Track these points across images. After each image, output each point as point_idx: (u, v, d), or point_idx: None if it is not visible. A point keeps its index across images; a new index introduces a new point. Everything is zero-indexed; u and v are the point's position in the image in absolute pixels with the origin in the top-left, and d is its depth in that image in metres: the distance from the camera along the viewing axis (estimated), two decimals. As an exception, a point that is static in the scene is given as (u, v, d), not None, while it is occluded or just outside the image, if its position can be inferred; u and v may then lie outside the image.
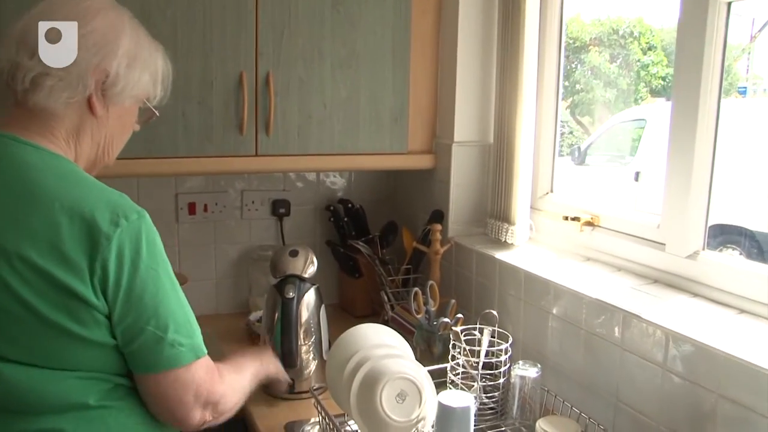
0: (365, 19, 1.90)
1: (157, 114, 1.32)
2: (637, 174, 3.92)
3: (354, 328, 1.54)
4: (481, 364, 1.51)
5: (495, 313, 1.59)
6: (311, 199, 2.32)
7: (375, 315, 2.16)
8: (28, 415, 1.08)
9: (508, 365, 1.51)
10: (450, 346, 1.54)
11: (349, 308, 2.30)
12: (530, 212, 1.89)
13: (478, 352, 1.52)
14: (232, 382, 1.25)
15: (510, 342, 1.53)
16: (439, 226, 1.94)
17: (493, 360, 1.52)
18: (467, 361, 1.51)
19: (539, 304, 1.62)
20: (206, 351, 1.17)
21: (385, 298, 2.04)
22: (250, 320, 2.02)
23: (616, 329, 1.40)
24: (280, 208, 2.26)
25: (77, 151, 1.19)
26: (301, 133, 1.89)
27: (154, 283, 1.09)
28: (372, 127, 1.96)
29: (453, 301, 1.74)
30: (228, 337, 1.99)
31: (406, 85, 1.98)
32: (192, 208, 2.17)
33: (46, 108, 1.13)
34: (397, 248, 2.23)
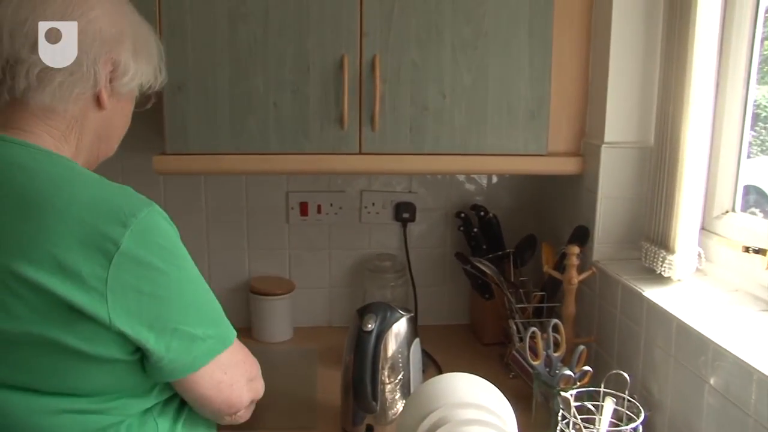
0: (495, -10, 1.54)
1: (154, 99, 1.21)
2: None
3: (442, 376, 1.24)
4: (597, 445, 1.13)
5: (626, 376, 1.19)
6: (442, 203, 2.02)
7: (505, 345, 1.82)
8: None
9: (636, 451, 1.12)
10: (558, 415, 1.18)
11: (478, 332, 1.97)
12: (702, 236, 1.45)
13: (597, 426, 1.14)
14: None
15: (642, 419, 1.13)
16: (576, 249, 1.54)
17: (617, 440, 1.14)
18: (578, 439, 1.14)
19: (694, 367, 1.19)
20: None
21: (514, 329, 1.69)
22: (353, 341, 1.77)
23: (797, 427, 0.95)
24: (403, 213, 1.98)
25: (78, 146, 1.08)
26: (414, 129, 1.59)
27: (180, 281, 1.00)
28: (502, 122, 1.60)
29: (582, 348, 1.36)
30: (334, 355, 1.74)
31: (547, 70, 1.59)
32: (304, 209, 1.95)
33: (50, 106, 1.02)
34: (536, 268, 1.86)
